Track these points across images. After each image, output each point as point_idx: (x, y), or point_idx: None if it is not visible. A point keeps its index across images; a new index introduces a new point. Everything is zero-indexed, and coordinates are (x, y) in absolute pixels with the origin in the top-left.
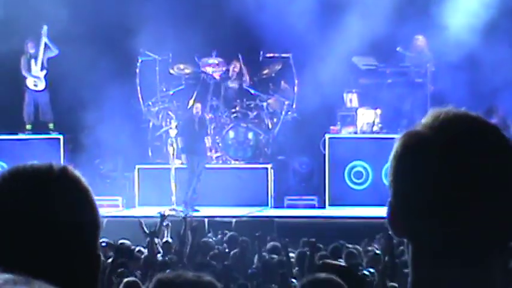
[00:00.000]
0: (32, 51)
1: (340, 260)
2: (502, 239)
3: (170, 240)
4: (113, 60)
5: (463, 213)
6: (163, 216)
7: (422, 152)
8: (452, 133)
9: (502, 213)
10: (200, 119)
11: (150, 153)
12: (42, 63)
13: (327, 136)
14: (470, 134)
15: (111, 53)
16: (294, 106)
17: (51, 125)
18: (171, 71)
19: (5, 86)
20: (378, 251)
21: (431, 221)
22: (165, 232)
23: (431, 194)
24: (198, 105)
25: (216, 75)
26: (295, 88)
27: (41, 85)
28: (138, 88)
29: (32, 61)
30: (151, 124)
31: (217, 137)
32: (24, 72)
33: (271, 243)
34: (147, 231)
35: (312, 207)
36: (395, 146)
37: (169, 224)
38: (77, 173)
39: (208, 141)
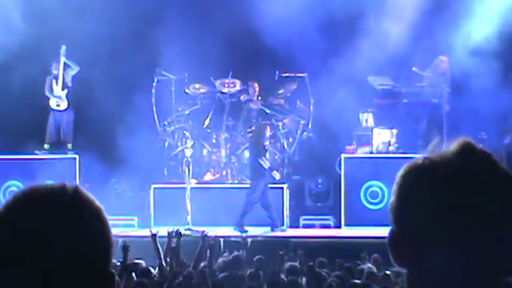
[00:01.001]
0: (55, 72)
1: (357, 280)
2: (506, 269)
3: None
4: (129, 79)
5: (470, 241)
6: (179, 234)
7: (430, 181)
8: (459, 163)
9: (509, 243)
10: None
11: (165, 173)
12: (64, 83)
13: (343, 156)
14: (475, 163)
15: (127, 72)
16: (309, 126)
17: (69, 145)
18: (187, 91)
19: (31, 108)
20: (388, 271)
21: (438, 249)
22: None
23: (439, 222)
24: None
25: (243, 97)
26: (311, 107)
27: (63, 104)
28: (154, 108)
29: (54, 81)
30: (167, 144)
31: (232, 157)
32: (47, 93)
33: (289, 263)
34: (161, 250)
35: (328, 227)
36: (399, 175)
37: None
38: (89, 193)
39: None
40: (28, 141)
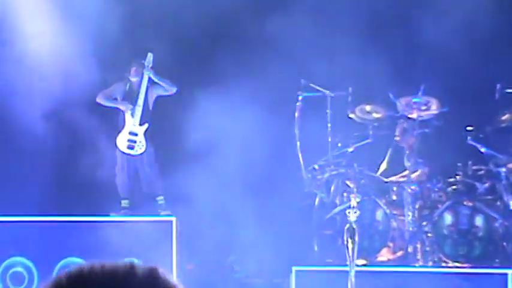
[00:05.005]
0: (134, 79)
1: None
2: None
3: None
4: (259, 97)
5: None
6: None
7: None
8: None
9: None
10: None
11: (315, 247)
12: (144, 111)
13: None
14: None
15: (257, 86)
16: None
17: (160, 199)
18: (351, 115)
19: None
20: None
21: None
22: None
23: None
24: None
25: None
26: None
27: (139, 147)
28: (297, 142)
29: (128, 114)
30: (317, 200)
31: (425, 223)
32: (110, 102)
33: None
34: None
35: None
36: None
37: None
38: (171, 278)
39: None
40: (96, 196)
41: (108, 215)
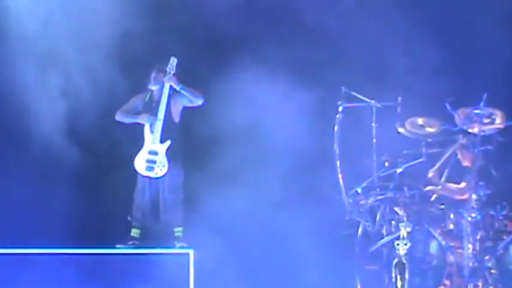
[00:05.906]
0: (153, 88)
1: None
2: None
3: None
4: (296, 107)
5: None
6: None
7: None
8: None
9: None
10: None
11: (358, 285)
12: (166, 125)
13: None
14: None
15: (291, 95)
16: None
17: (178, 231)
18: (400, 130)
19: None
20: None
21: None
22: None
23: None
24: None
25: None
26: None
27: (160, 169)
28: (337, 161)
29: (147, 129)
30: (360, 229)
31: (487, 257)
32: (127, 118)
33: None
34: None
35: None
36: None
37: None
38: None
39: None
40: (104, 225)
41: (113, 247)
